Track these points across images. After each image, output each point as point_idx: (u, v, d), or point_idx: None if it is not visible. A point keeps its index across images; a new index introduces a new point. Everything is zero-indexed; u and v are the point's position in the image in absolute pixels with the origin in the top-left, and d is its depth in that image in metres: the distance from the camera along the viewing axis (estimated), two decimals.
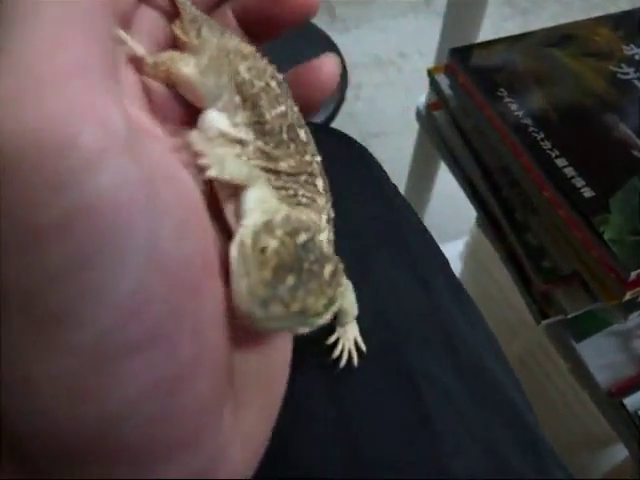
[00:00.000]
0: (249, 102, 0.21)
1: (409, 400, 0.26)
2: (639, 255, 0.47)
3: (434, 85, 0.70)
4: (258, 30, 0.25)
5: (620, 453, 0.71)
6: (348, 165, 0.35)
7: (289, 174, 0.21)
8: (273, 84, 0.22)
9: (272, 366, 0.20)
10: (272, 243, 0.17)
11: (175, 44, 0.23)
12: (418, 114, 0.76)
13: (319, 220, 0.21)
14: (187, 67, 0.20)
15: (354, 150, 0.38)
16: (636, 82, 0.62)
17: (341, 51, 0.88)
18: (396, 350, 0.27)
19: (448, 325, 0.30)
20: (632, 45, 0.66)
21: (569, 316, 0.57)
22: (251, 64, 0.22)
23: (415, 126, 0.81)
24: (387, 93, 1.49)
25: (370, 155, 0.38)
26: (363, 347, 0.26)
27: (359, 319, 0.26)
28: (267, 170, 0.21)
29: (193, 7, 0.23)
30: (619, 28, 0.68)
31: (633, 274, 0.46)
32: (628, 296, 0.48)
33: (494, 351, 0.32)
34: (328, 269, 0.18)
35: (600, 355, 0.62)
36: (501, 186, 0.63)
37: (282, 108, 0.22)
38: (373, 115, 1.44)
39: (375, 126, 1.40)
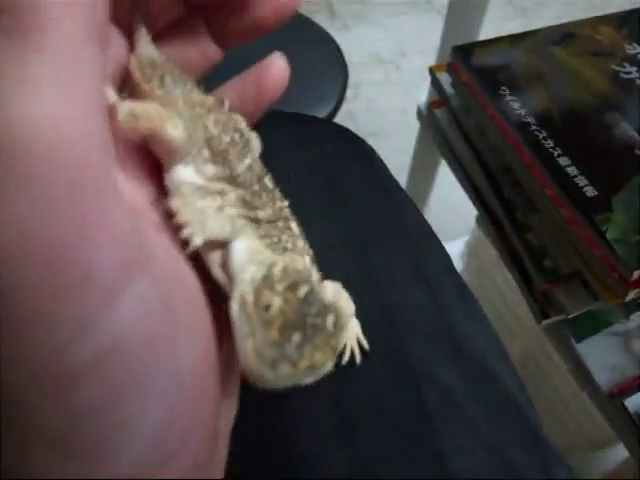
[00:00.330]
0: (219, 157, 0.21)
1: (411, 399, 0.25)
2: None
3: (435, 83, 0.70)
4: (229, 35, 0.24)
5: (620, 453, 0.71)
6: (350, 161, 0.35)
7: (268, 221, 0.21)
8: (237, 136, 0.22)
9: None
10: (276, 301, 0.17)
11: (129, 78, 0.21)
12: (419, 113, 0.76)
13: (307, 263, 0.21)
14: (175, 130, 0.19)
15: (357, 146, 0.37)
16: (638, 81, 0.62)
17: (341, 49, 0.88)
18: (398, 348, 0.27)
19: (451, 323, 0.29)
20: (635, 44, 0.66)
21: (570, 316, 0.56)
22: (217, 117, 0.22)
23: (415, 125, 0.81)
24: (387, 92, 1.49)
25: (372, 151, 0.38)
26: (365, 345, 0.26)
27: (361, 316, 0.26)
28: (249, 219, 0.20)
29: (151, 46, 0.22)
30: (622, 27, 0.68)
31: (635, 273, 0.46)
32: (630, 296, 0.48)
33: (497, 351, 0.31)
34: (330, 320, 0.18)
35: (601, 356, 0.61)
36: (502, 185, 0.62)
37: (248, 160, 0.21)
38: (373, 114, 1.44)
39: (375, 125, 1.39)
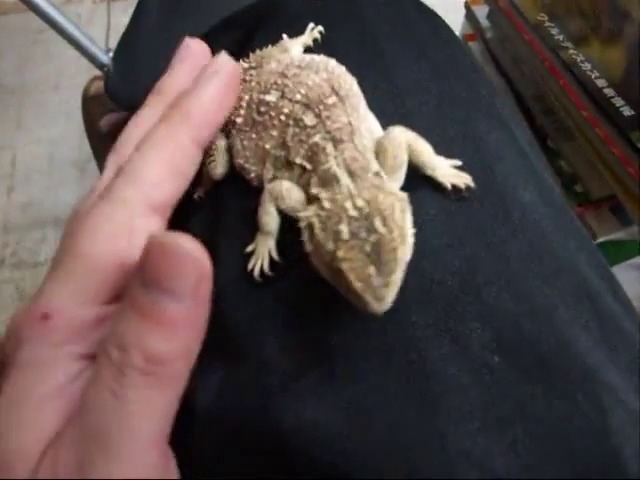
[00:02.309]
0: None
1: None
2: None
3: (470, 16, 0.70)
4: None
5: None
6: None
7: None
8: None
9: None
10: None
11: None
12: None
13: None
14: None
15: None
16: None
17: None
18: None
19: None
20: None
21: (598, 240, 0.57)
22: None
23: None
24: None
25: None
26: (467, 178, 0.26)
27: None
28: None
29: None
30: None
31: None
32: None
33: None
34: (393, 239, 0.21)
35: (626, 288, 0.62)
36: (535, 115, 0.63)
37: None
38: None
39: None
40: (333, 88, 0.25)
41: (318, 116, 0.25)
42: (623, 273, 0.61)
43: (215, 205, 0.30)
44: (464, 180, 0.26)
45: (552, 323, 0.24)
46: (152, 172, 0.24)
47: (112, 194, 0.24)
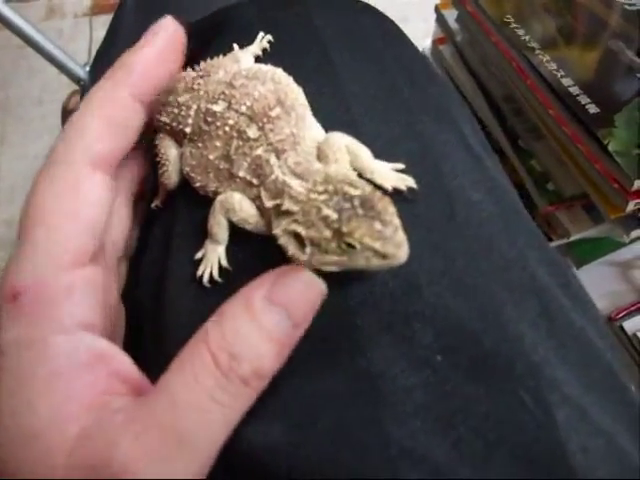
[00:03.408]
0: None
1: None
2: None
3: (440, 20, 0.70)
4: None
5: None
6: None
7: None
8: None
9: None
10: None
11: None
12: (423, 53, 0.77)
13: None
14: None
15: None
16: None
17: None
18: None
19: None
20: None
21: (572, 238, 0.58)
22: None
23: None
24: None
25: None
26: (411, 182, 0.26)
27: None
28: None
29: None
30: None
31: (637, 183, 0.47)
32: (630, 207, 0.49)
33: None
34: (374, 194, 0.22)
35: (600, 284, 0.63)
36: (506, 115, 0.63)
37: None
38: None
39: None
40: (279, 99, 0.26)
41: (261, 129, 0.25)
42: (597, 270, 0.62)
43: (171, 214, 0.30)
44: (405, 182, 0.26)
45: (498, 321, 0.24)
46: (91, 128, 0.25)
47: (54, 155, 0.25)
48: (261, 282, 0.21)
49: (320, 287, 0.22)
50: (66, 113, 0.96)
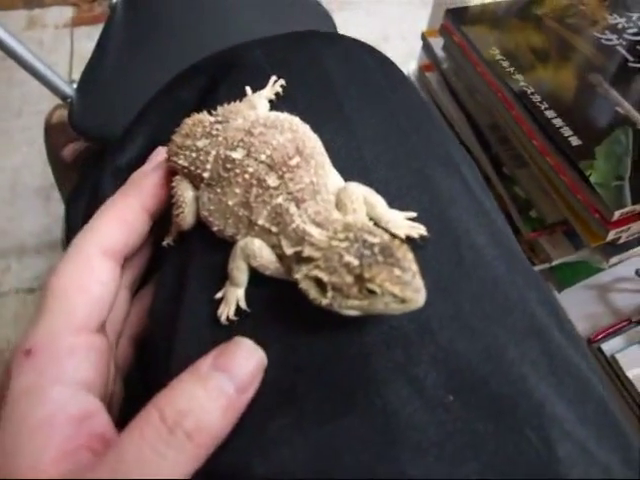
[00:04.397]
0: None
1: None
2: (621, 198, 0.50)
3: (427, 47, 0.72)
4: None
5: None
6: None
7: None
8: None
9: None
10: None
11: None
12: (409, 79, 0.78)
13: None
14: None
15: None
16: (619, 48, 0.65)
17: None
18: None
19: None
20: (615, 15, 0.70)
21: (554, 263, 0.60)
22: None
23: None
24: None
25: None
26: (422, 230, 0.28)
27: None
28: None
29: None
30: None
31: (616, 214, 0.49)
32: (611, 236, 0.51)
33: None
34: (391, 242, 0.23)
35: (580, 307, 0.65)
36: (490, 143, 0.65)
37: None
38: None
39: None
40: (297, 148, 0.27)
41: (281, 177, 0.26)
42: (578, 294, 0.64)
43: (184, 253, 0.31)
44: (417, 231, 0.27)
45: (502, 361, 0.25)
46: (104, 226, 0.30)
47: (71, 247, 0.29)
48: (208, 354, 0.24)
49: (260, 355, 0.24)
50: (49, 128, 0.95)
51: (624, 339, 0.61)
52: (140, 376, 0.33)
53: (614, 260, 0.57)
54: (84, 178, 0.67)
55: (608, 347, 0.61)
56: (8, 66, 1.38)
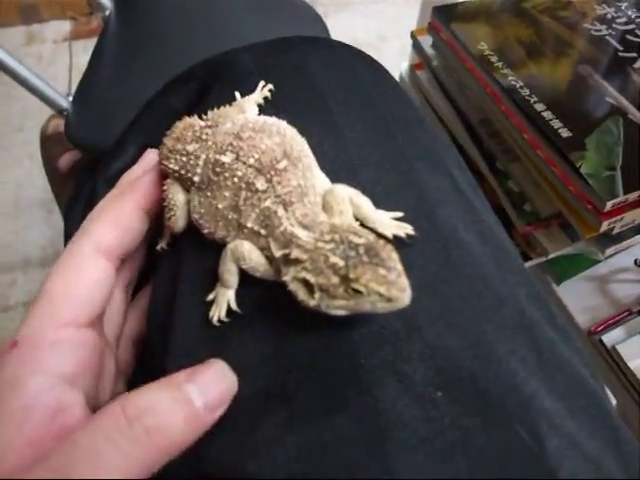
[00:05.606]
0: None
1: None
2: (613, 188, 0.50)
3: (417, 46, 0.72)
4: None
5: None
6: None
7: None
8: None
9: None
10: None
11: None
12: (401, 78, 0.78)
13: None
14: None
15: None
16: (609, 38, 0.65)
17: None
18: None
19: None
20: (604, 5, 0.69)
21: (550, 256, 0.59)
22: None
23: None
24: None
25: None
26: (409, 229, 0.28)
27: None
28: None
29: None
30: None
31: (609, 204, 0.49)
32: (605, 226, 0.51)
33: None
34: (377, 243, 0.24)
35: (579, 299, 0.65)
36: (482, 138, 0.65)
37: None
38: None
39: None
40: (285, 152, 0.27)
41: (269, 181, 0.26)
42: (577, 285, 0.63)
43: (177, 256, 0.32)
44: (404, 230, 0.27)
45: (491, 357, 0.25)
46: (99, 226, 0.30)
47: (70, 242, 0.30)
48: (182, 371, 0.24)
49: (233, 380, 0.25)
50: (45, 139, 0.96)
51: (625, 330, 0.61)
52: (143, 377, 0.33)
53: (610, 251, 0.57)
54: (80, 186, 0.68)
55: (609, 338, 0.61)
56: (7, 81, 1.40)
